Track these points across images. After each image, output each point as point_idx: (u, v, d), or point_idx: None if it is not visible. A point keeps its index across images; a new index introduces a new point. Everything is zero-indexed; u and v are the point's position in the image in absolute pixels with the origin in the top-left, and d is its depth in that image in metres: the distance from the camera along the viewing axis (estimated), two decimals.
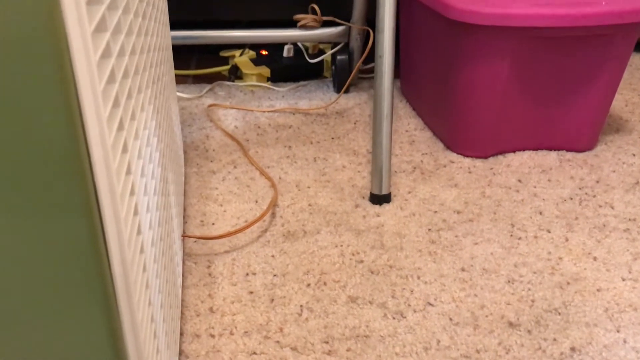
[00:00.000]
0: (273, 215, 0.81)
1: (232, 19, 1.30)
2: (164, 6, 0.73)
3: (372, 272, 0.70)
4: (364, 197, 0.85)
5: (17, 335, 0.32)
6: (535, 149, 0.99)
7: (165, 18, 0.75)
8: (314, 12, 1.15)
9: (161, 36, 0.65)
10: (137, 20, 0.44)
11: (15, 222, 0.29)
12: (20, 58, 0.26)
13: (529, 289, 0.68)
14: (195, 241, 0.76)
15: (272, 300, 0.66)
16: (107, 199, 0.30)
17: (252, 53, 1.30)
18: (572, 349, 0.60)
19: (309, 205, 0.84)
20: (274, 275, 0.69)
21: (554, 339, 0.61)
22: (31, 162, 0.28)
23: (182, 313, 0.64)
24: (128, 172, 0.34)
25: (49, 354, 0.33)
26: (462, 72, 0.91)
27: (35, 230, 0.29)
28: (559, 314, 0.64)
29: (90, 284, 0.31)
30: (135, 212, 0.36)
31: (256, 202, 0.84)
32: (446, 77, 0.95)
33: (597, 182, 0.90)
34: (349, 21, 1.13)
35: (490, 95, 0.91)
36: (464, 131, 0.96)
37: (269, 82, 1.24)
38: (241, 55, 1.29)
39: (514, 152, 0.99)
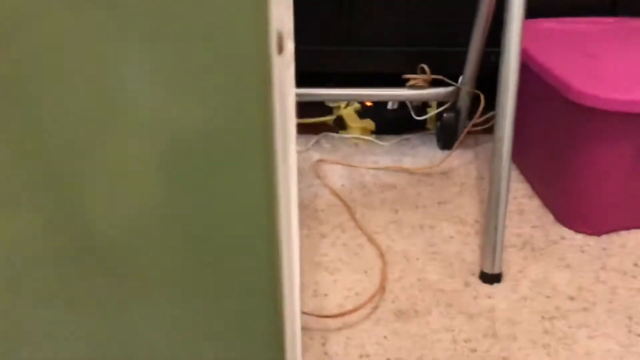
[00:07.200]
0: (382, 288, 0.83)
1: (339, 70, 1.33)
2: None
3: None
4: (473, 274, 0.86)
5: None
6: None
7: None
8: (423, 71, 1.16)
9: None
10: None
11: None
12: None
13: None
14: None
15: None
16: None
17: (356, 105, 1.32)
18: None
19: (418, 280, 0.85)
20: (387, 359, 0.71)
21: None
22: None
23: None
24: None
25: None
26: (581, 152, 0.89)
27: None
28: None
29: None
30: None
31: (365, 272, 0.86)
32: (562, 153, 0.94)
33: None
34: (458, 77, 1.14)
35: (611, 176, 0.89)
36: (578, 208, 0.94)
37: (373, 135, 1.26)
38: (347, 107, 1.32)
39: (628, 229, 0.96)
